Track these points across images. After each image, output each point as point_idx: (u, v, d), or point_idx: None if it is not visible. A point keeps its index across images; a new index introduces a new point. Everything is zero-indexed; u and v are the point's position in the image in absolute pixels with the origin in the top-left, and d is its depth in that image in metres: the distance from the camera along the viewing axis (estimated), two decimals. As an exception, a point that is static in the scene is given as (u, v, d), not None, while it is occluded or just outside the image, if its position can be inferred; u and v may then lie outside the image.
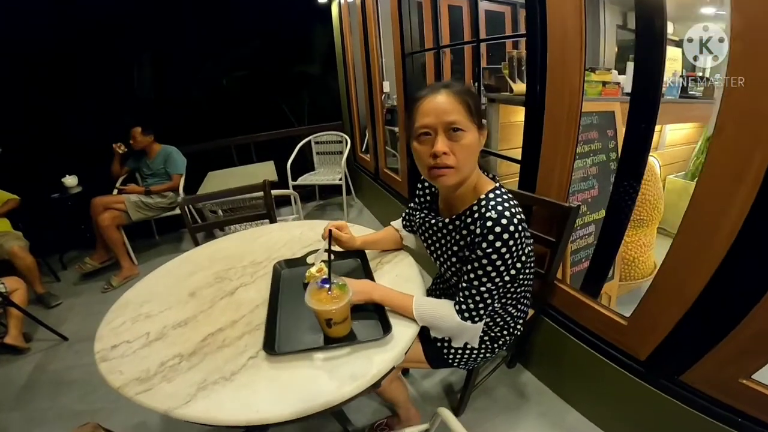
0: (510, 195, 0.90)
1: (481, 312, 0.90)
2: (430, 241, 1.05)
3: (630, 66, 1.77)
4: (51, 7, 2.80)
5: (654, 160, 2.21)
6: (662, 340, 1.06)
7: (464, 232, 0.90)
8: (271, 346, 0.85)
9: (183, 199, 1.78)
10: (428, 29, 2.14)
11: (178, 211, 2.57)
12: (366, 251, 1.20)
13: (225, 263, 1.29)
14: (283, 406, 0.73)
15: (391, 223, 1.27)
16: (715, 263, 0.90)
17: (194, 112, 3.56)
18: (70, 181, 2.95)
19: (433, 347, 1.07)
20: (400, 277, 1.10)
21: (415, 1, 2.15)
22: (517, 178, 1.50)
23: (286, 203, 3.66)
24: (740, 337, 0.89)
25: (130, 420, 1.42)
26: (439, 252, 1.02)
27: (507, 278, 0.87)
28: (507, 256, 0.83)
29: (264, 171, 3.13)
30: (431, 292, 1.26)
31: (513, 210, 0.84)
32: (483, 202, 0.87)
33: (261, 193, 1.78)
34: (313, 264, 1.09)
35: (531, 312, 1.32)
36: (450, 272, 0.99)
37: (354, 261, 1.18)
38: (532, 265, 1.03)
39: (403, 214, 1.23)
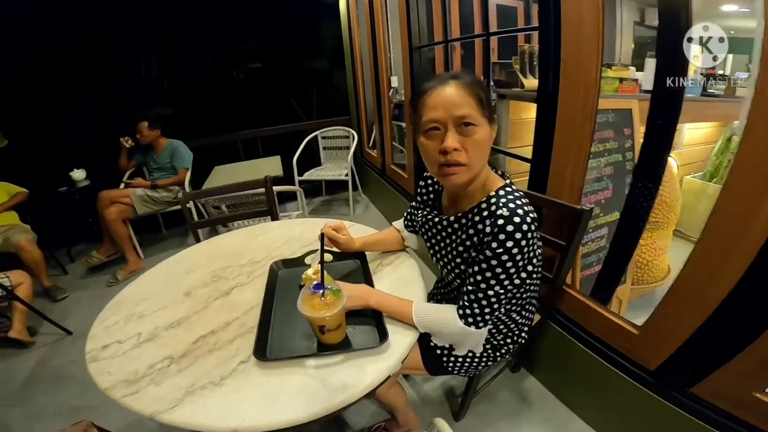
0: (521, 193, 0.85)
1: (486, 317, 0.85)
2: (433, 241, 0.99)
3: (649, 62, 1.69)
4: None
5: (672, 160, 2.13)
6: (675, 350, 1.00)
7: (471, 231, 0.85)
8: (263, 351, 0.82)
9: (184, 195, 1.76)
10: (437, 23, 2.08)
11: (195, 200, 2.55)
12: (366, 252, 1.16)
13: (223, 261, 1.26)
14: (270, 414, 0.70)
15: (393, 223, 1.22)
16: (740, 271, 0.83)
17: (201, 106, 3.55)
18: (78, 174, 2.96)
19: (432, 354, 1.02)
20: (400, 281, 1.06)
21: (424, -6, 2.10)
22: (527, 177, 1.44)
23: (293, 198, 3.64)
24: (760, 349, 0.84)
25: (127, 418, 1.42)
26: (442, 253, 0.97)
27: (517, 281, 0.82)
28: (518, 257, 0.78)
29: (270, 166, 3.11)
30: (432, 296, 1.21)
31: (526, 208, 0.79)
32: (493, 200, 0.82)
33: (263, 189, 1.75)
34: (310, 265, 1.05)
35: (537, 318, 1.27)
36: (453, 275, 0.94)
37: (353, 263, 1.13)
38: (540, 269, 0.97)
39: (405, 214, 1.18)
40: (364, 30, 2.98)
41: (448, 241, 0.94)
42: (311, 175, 3.45)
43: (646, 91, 1.74)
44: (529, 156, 1.40)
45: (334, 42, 3.61)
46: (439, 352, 1.02)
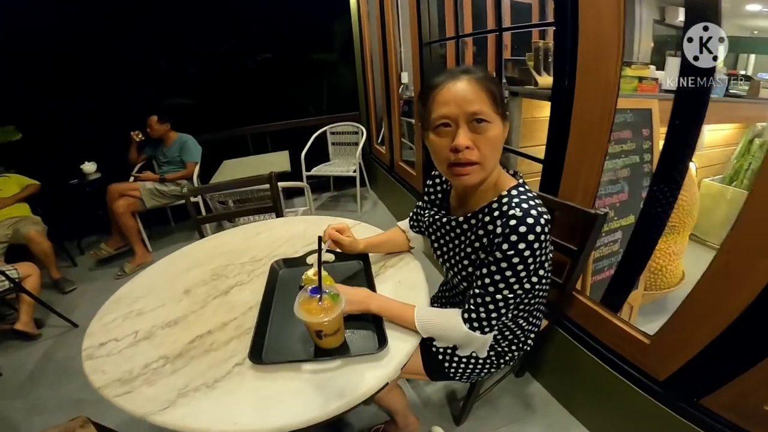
0: (535, 194, 0.80)
1: (493, 322, 0.81)
2: (441, 242, 0.96)
3: (671, 61, 1.62)
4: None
5: (690, 163, 2.04)
6: (687, 361, 0.96)
7: (480, 232, 0.81)
8: (258, 355, 0.80)
9: (189, 191, 1.74)
10: (449, 18, 2.02)
11: (198, 196, 2.56)
12: (369, 254, 1.13)
13: (224, 259, 1.24)
14: (263, 419, 0.69)
15: (398, 223, 1.18)
16: (763, 281, 0.78)
17: (211, 100, 3.55)
18: (89, 167, 2.99)
19: (433, 359, 0.99)
20: (403, 284, 1.02)
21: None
22: (538, 178, 1.39)
23: (300, 193, 3.62)
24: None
25: (126, 413, 1.41)
26: (449, 255, 0.93)
27: (527, 286, 0.78)
28: (530, 260, 0.74)
29: (278, 160, 3.10)
30: (436, 300, 1.17)
31: (539, 209, 0.74)
32: (505, 200, 0.78)
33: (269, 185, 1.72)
34: (312, 265, 1.02)
35: (544, 323, 1.22)
36: (459, 277, 0.90)
37: (356, 264, 1.10)
38: (550, 274, 0.93)
39: (411, 214, 1.14)
40: (374, 25, 2.94)
41: (456, 242, 0.90)
42: (319, 170, 3.43)
43: (667, 91, 1.67)
44: (541, 156, 1.35)
45: (345, 37, 3.58)
46: (441, 357, 0.98)
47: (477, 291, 0.80)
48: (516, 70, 1.98)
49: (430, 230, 0.99)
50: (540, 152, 1.37)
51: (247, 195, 2.12)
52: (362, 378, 0.74)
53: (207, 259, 1.25)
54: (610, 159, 1.50)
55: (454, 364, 0.98)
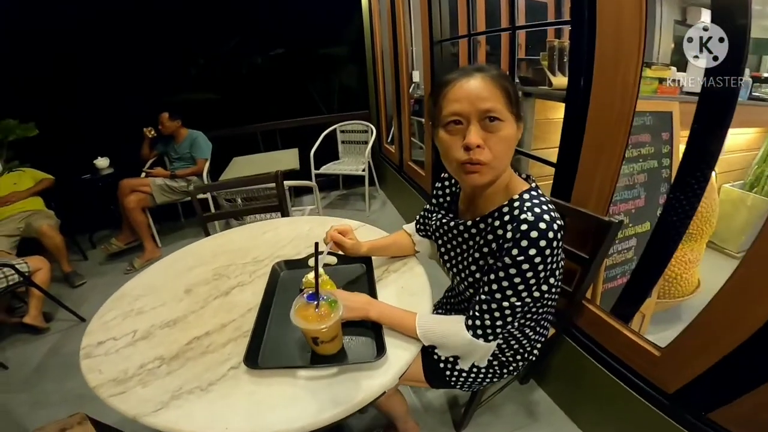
0: (548, 198, 0.77)
1: (498, 330, 0.78)
2: (447, 247, 0.92)
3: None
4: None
5: (711, 168, 1.97)
6: (698, 375, 0.92)
7: (490, 236, 0.78)
8: (254, 359, 0.78)
9: (195, 188, 1.74)
10: (462, 17, 1.98)
11: (202, 195, 2.58)
12: (373, 257, 1.10)
13: (227, 258, 1.23)
14: (255, 425, 0.68)
15: (403, 226, 1.15)
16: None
17: (223, 97, 3.57)
18: (102, 162, 3.03)
19: (434, 366, 0.96)
20: (405, 290, 0.99)
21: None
22: (550, 181, 1.34)
23: (309, 191, 3.61)
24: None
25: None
26: (456, 260, 0.90)
27: (536, 294, 0.74)
28: (540, 267, 0.70)
29: (287, 158, 3.11)
30: (441, 306, 1.14)
31: (552, 215, 0.71)
32: (516, 203, 0.74)
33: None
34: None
35: (552, 332, 1.18)
36: (465, 284, 0.87)
37: (359, 267, 1.07)
38: (560, 283, 0.89)
39: (417, 217, 1.11)
40: (385, 23, 2.90)
41: (464, 247, 0.87)
42: (328, 169, 3.41)
43: (689, 93, 1.60)
44: (554, 159, 1.31)
45: (356, 35, 3.55)
46: (442, 365, 0.95)
47: (483, 297, 0.77)
48: (529, 69, 1.93)
49: (437, 234, 0.96)
50: (553, 155, 1.32)
51: (254, 193, 2.12)
52: (359, 386, 0.72)
53: (210, 258, 1.24)
54: (627, 163, 1.45)
55: (456, 373, 0.95)
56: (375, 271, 1.06)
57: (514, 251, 0.70)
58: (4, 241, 2.28)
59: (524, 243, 0.69)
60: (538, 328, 0.95)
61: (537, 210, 0.70)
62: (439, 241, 0.95)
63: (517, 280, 0.71)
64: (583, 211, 1.11)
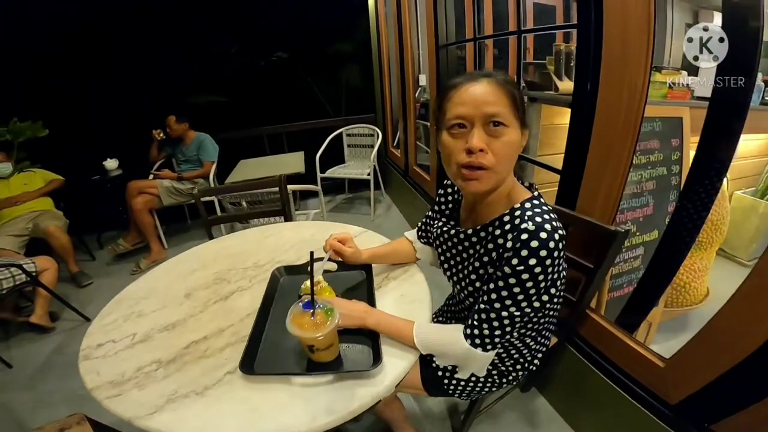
0: (550, 207, 0.75)
1: (496, 340, 0.76)
2: (447, 255, 0.91)
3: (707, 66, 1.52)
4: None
5: (722, 175, 1.92)
6: (702, 387, 0.90)
7: (490, 245, 0.76)
8: (250, 365, 0.77)
9: (199, 191, 1.75)
10: (469, 20, 1.97)
11: (208, 197, 2.59)
12: (373, 264, 1.09)
13: (228, 262, 1.23)
14: (247, 431, 0.67)
15: (405, 234, 1.14)
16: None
17: (230, 100, 3.61)
18: (111, 164, 3.07)
19: (432, 374, 0.94)
20: (405, 297, 0.98)
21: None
22: (557, 187, 1.32)
23: (315, 194, 3.62)
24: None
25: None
26: (456, 269, 0.89)
27: (536, 304, 0.73)
28: (540, 278, 0.68)
29: (293, 161, 3.12)
30: (441, 314, 1.12)
31: (554, 224, 0.69)
32: (517, 212, 0.73)
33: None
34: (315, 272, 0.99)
35: (554, 340, 1.16)
36: (466, 292, 0.86)
37: (359, 274, 1.06)
38: (562, 292, 0.87)
39: (419, 224, 1.10)
40: (392, 27, 2.91)
41: (465, 255, 0.85)
42: (334, 172, 3.40)
43: (700, 98, 1.57)
44: (560, 166, 1.28)
45: (363, 38, 3.56)
46: (440, 374, 0.94)
47: (482, 306, 0.75)
48: (536, 74, 1.91)
49: (438, 242, 0.94)
50: (560, 161, 1.30)
51: (259, 197, 2.12)
52: (353, 395, 0.71)
53: (212, 262, 1.24)
54: (635, 170, 1.42)
55: (454, 382, 0.94)
56: (375, 278, 1.05)
57: (514, 261, 0.68)
58: (13, 241, 2.32)
59: (524, 252, 0.67)
60: (539, 338, 0.93)
61: (538, 219, 0.69)
62: (440, 249, 0.94)
63: (516, 290, 0.70)
64: (587, 220, 1.09)
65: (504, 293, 0.71)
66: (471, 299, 0.85)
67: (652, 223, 1.49)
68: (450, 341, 0.80)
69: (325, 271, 1.05)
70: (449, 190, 0.97)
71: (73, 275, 2.56)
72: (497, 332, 0.75)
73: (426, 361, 0.93)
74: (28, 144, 2.80)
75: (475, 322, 0.77)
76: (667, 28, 2.47)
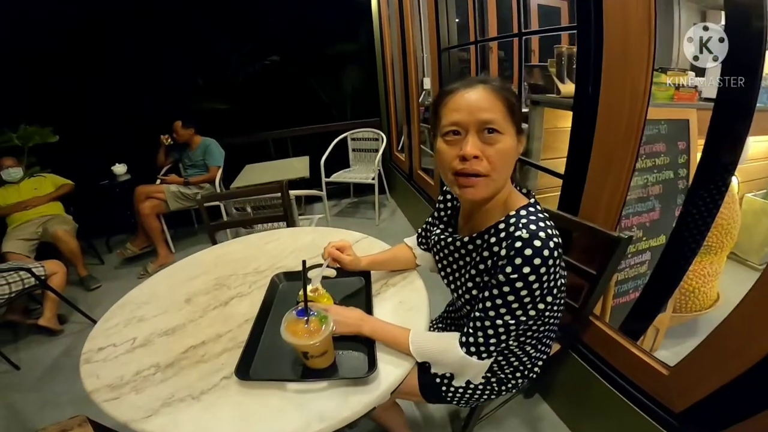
0: (546, 214, 0.74)
1: (491, 348, 0.75)
2: (444, 263, 0.90)
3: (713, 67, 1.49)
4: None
5: (732, 178, 1.88)
6: (707, 395, 0.88)
7: (486, 253, 0.76)
8: (245, 370, 0.78)
9: (202, 197, 1.77)
10: (472, 23, 1.96)
11: (215, 202, 2.62)
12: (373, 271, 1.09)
13: (229, 268, 1.24)
14: None
15: (405, 240, 1.13)
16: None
17: (236, 105, 3.65)
18: (119, 169, 3.12)
19: (430, 381, 0.94)
20: (403, 304, 0.97)
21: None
22: (559, 192, 1.30)
23: (320, 199, 3.63)
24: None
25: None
26: (453, 276, 0.88)
27: (532, 313, 0.72)
28: (535, 286, 0.68)
29: (298, 166, 3.13)
30: (440, 320, 1.12)
31: (549, 231, 0.68)
32: (512, 220, 0.72)
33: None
34: (312, 280, 0.98)
35: (557, 347, 1.14)
36: (463, 300, 0.85)
37: (358, 281, 1.06)
38: (563, 299, 0.86)
39: (419, 230, 1.09)
40: (395, 30, 2.92)
41: (461, 263, 0.85)
42: (338, 177, 3.41)
43: (707, 99, 1.54)
44: (563, 170, 1.27)
45: (366, 42, 3.57)
46: (438, 380, 0.93)
47: (477, 314, 0.75)
48: (538, 76, 1.90)
49: (435, 249, 0.94)
50: (563, 165, 1.28)
51: (262, 202, 2.13)
52: (346, 402, 0.71)
53: (213, 268, 1.25)
54: (641, 174, 1.39)
55: (452, 389, 0.92)
56: (374, 284, 1.04)
57: (508, 269, 0.67)
58: (23, 245, 2.37)
59: (518, 261, 0.66)
60: (539, 346, 0.92)
61: (532, 227, 0.68)
62: (437, 257, 0.93)
63: (510, 298, 0.69)
64: (590, 226, 1.07)
65: (498, 301, 0.71)
66: (468, 307, 0.84)
67: (658, 228, 1.46)
68: (446, 349, 0.79)
69: (325, 278, 1.05)
70: (448, 196, 0.96)
71: (82, 279, 2.60)
72: (492, 340, 0.74)
73: (424, 368, 0.92)
74: (37, 149, 2.85)
75: (471, 330, 0.76)
76: (675, 28, 2.43)
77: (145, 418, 0.71)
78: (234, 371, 0.77)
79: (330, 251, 1.00)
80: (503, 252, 0.69)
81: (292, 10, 3.49)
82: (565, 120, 1.84)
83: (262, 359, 0.81)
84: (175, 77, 3.38)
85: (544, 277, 0.67)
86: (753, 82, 0.89)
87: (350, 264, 1.02)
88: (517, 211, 0.73)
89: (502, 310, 0.71)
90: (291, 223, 1.71)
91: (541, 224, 0.69)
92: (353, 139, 3.62)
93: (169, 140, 3.04)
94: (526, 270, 0.66)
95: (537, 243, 0.66)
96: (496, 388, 0.95)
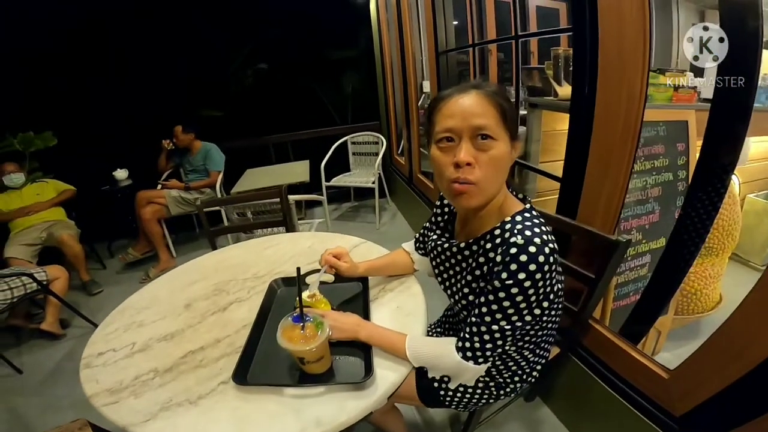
0: (542, 219, 0.74)
1: (487, 353, 0.76)
2: (441, 268, 0.91)
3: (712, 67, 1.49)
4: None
5: (734, 178, 1.87)
6: (707, 399, 0.88)
7: (481, 259, 0.76)
8: (243, 375, 0.78)
9: (202, 203, 1.78)
10: (470, 26, 1.97)
11: (215, 207, 2.63)
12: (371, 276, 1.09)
13: (228, 274, 1.24)
14: None
15: (403, 245, 1.13)
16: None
17: (236, 110, 3.67)
18: (121, 174, 3.14)
19: (428, 386, 0.94)
20: (401, 310, 0.97)
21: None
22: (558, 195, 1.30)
23: (320, 202, 3.64)
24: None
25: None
26: (450, 281, 0.88)
27: (528, 318, 0.72)
28: (531, 291, 0.67)
29: (299, 170, 3.14)
30: (439, 325, 1.12)
31: (544, 237, 0.68)
32: (507, 225, 0.72)
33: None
34: (310, 285, 0.99)
35: (557, 351, 1.14)
36: (460, 305, 0.85)
37: (356, 286, 1.06)
38: (561, 304, 0.86)
39: (417, 235, 1.09)
40: (394, 34, 2.92)
41: (458, 269, 0.85)
42: (339, 181, 3.42)
43: (706, 100, 1.54)
44: (560, 173, 1.27)
45: (366, 46, 3.59)
46: (436, 385, 0.93)
47: (473, 320, 0.75)
48: (535, 79, 1.89)
49: (432, 254, 0.94)
50: (561, 168, 1.28)
51: (262, 207, 2.14)
52: (343, 407, 0.71)
53: (212, 273, 1.25)
54: (640, 177, 1.39)
55: (450, 393, 0.93)
56: (372, 289, 1.04)
57: (503, 275, 0.68)
58: (25, 250, 2.38)
59: (513, 266, 0.66)
60: (538, 350, 0.92)
61: (528, 233, 0.68)
62: (434, 262, 0.93)
63: (506, 304, 0.69)
64: (588, 229, 1.06)
65: (494, 307, 0.71)
66: (465, 312, 0.84)
67: (658, 231, 1.45)
68: (442, 354, 0.79)
69: (323, 283, 1.05)
70: (445, 201, 0.97)
71: (84, 283, 2.62)
72: (488, 345, 0.74)
73: (422, 372, 0.92)
74: (39, 155, 2.87)
75: (467, 336, 0.76)
76: (673, 28, 2.43)
77: (143, 422, 0.72)
78: (231, 376, 0.77)
79: (327, 259, 1.00)
80: (499, 258, 0.69)
81: (292, 16, 3.51)
82: (563, 122, 1.84)
83: (260, 364, 0.82)
84: (176, 79, 3.39)
85: (540, 283, 0.67)
86: (750, 82, 0.88)
87: (347, 271, 1.02)
88: (513, 216, 0.73)
89: (498, 316, 0.71)
90: (290, 228, 1.71)
91: (537, 230, 0.69)
92: (353, 143, 3.63)
93: (171, 145, 3.06)
94: (522, 276, 0.66)
95: (532, 249, 0.66)
96: (495, 393, 0.95)
